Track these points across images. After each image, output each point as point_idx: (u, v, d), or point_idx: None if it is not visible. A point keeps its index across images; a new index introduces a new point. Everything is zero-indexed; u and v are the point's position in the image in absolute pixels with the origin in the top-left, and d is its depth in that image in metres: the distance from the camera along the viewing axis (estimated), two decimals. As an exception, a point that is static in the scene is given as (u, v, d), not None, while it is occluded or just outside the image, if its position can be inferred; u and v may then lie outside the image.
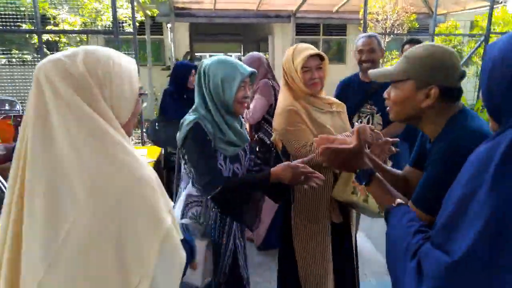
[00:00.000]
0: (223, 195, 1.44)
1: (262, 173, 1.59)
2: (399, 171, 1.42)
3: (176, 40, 9.64)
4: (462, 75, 1.13)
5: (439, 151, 1.08)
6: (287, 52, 1.81)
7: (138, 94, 0.89)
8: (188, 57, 9.49)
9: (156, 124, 3.21)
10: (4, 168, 2.46)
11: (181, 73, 3.23)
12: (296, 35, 10.02)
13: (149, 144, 4.25)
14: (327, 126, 1.77)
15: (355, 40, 2.69)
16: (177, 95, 3.23)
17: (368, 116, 2.54)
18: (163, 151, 3.43)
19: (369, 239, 3.32)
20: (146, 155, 3.10)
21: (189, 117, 1.53)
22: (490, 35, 5.54)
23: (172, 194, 3.34)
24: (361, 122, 2.46)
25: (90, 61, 0.80)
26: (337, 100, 1.94)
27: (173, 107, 3.19)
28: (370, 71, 1.29)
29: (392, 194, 1.15)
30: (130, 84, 0.85)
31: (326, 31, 11.37)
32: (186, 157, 1.54)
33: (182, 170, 1.63)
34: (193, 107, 1.59)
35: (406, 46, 3.00)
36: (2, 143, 3.19)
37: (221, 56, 1.60)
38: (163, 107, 3.31)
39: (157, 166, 3.06)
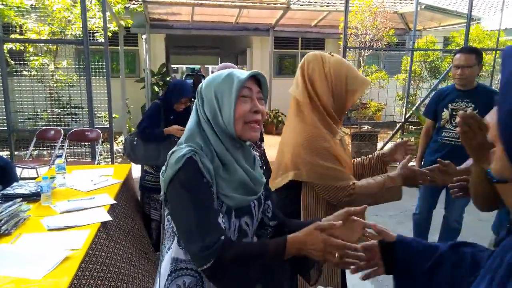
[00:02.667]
0: (217, 270, 0.98)
1: (275, 240, 1.04)
2: None
3: (152, 52, 9.37)
4: None
5: None
6: (336, 70, 1.55)
7: None
8: (164, 69, 9.22)
9: (135, 138, 2.94)
10: None
11: (175, 92, 2.95)
12: (275, 48, 9.97)
13: (118, 162, 3.94)
14: (343, 157, 1.59)
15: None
16: (165, 113, 3.00)
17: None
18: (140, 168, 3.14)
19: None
20: (112, 176, 2.80)
21: (180, 150, 1.05)
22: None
23: (147, 217, 3.08)
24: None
25: None
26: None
27: (156, 122, 2.96)
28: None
29: None
30: None
31: (304, 45, 11.38)
32: (169, 206, 1.08)
33: (166, 222, 1.15)
34: (186, 135, 1.13)
35: (458, 55, 2.78)
36: None
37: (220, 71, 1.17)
38: (146, 116, 3.02)
39: (125, 186, 2.77)
